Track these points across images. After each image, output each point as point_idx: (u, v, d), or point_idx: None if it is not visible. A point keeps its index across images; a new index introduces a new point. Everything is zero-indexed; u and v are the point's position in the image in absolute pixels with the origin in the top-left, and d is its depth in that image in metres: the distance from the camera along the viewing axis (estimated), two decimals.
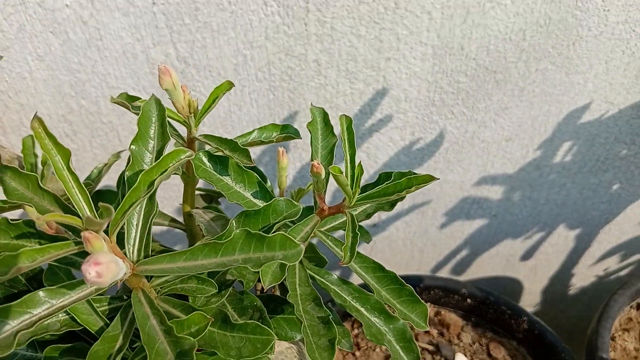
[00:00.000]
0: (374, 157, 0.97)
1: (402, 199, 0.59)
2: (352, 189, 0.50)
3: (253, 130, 0.59)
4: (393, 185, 0.48)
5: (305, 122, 0.87)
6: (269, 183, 0.61)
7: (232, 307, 0.51)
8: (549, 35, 0.81)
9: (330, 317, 0.51)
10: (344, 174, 0.48)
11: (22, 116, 0.85)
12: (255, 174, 0.56)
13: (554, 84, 0.87)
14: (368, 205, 0.61)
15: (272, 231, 0.49)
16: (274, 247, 0.41)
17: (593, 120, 0.93)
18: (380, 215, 1.09)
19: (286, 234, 0.41)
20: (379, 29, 0.79)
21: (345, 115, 0.55)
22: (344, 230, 0.61)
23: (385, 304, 0.54)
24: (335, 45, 0.80)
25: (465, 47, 0.82)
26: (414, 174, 0.50)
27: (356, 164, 0.52)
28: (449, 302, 1.05)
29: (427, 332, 1.01)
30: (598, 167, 1.01)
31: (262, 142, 0.59)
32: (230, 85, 0.55)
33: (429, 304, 1.06)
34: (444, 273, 1.24)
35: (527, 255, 1.21)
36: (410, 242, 1.16)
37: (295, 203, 0.50)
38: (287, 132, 0.60)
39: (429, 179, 0.47)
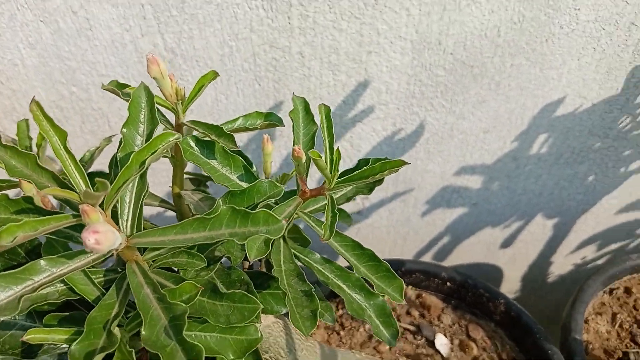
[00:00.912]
0: (357, 146, 1.00)
1: (380, 182, 0.62)
2: (331, 172, 0.53)
3: (238, 118, 0.62)
4: (369, 169, 0.52)
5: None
6: (254, 168, 0.64)
7: (220, 281, 0.54)
8: (522, 32, 0.84)
9: (312, 290, 0.55)
10: (323, 158, 0.51)
11: (14, 102, 0.87)
12: (241, 158, 0.59)
13: (529, 78, 0.91)
14: (348, 189, 0.65)
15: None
16: (258, 222, 0.44)
17: (567, 114, 0.97)
18: (365, 203, 1.13)
19: (268, 211, 0.44)
20: (359, 23, 0.82)
21: (324, 105, 0.58)
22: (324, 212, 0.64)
23: (364, 279, 0.58)
24: (318, 38, 0.83)
25: (443, 42, 0.85)
26: (389, 159, 0.53)
27: (334, 150, 0.55)
28: (429, 286, 1.09)
29: (409, 313, 1.05)
30: (573, 159, 1.04)
31: (246, 129, 0.62)
32: (215, 74, 0.58)
33: (410, 286, 1.10)
34: (426, 260, 1.28)
35: (507, 243, 1.25)
36: (394, 229, 1.19)
37: (278, 184, 0.53)
38: (271, 119, 0.63)
39: (401, 163, 0.50)
